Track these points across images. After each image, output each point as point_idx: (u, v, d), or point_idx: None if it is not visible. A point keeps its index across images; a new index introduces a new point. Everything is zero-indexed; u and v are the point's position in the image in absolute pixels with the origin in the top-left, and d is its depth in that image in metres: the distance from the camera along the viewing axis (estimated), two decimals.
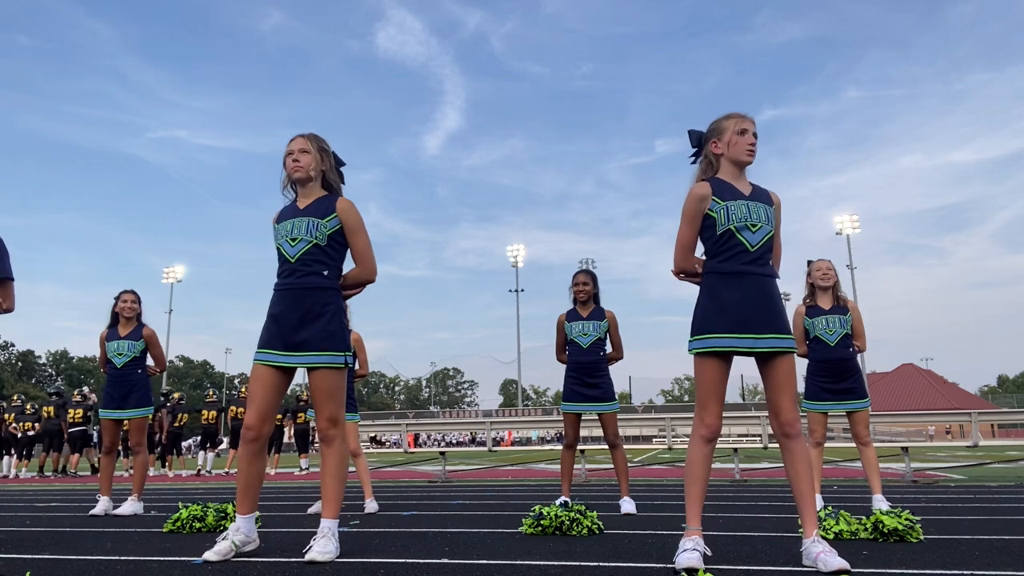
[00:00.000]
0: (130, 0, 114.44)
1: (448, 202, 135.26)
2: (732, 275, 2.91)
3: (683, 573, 2.59)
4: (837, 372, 4.89)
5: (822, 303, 4.97)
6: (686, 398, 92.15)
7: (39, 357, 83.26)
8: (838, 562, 2.61)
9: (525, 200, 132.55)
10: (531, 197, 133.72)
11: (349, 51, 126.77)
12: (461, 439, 50.72)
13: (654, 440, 35.74)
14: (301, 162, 3.37)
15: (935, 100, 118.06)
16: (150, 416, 6.08)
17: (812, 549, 2.74)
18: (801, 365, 4.74)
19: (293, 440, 14.95)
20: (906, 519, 3.50)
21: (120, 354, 5.76)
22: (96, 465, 15.23)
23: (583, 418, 5.48)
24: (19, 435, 15.25)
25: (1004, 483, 7.78)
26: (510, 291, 50.19)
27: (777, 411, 2.90)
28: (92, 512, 5.56)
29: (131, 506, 5.61)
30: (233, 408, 14.82)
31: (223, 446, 18.72)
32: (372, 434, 37.43)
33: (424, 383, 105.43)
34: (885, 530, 3.49)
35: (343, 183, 3.52)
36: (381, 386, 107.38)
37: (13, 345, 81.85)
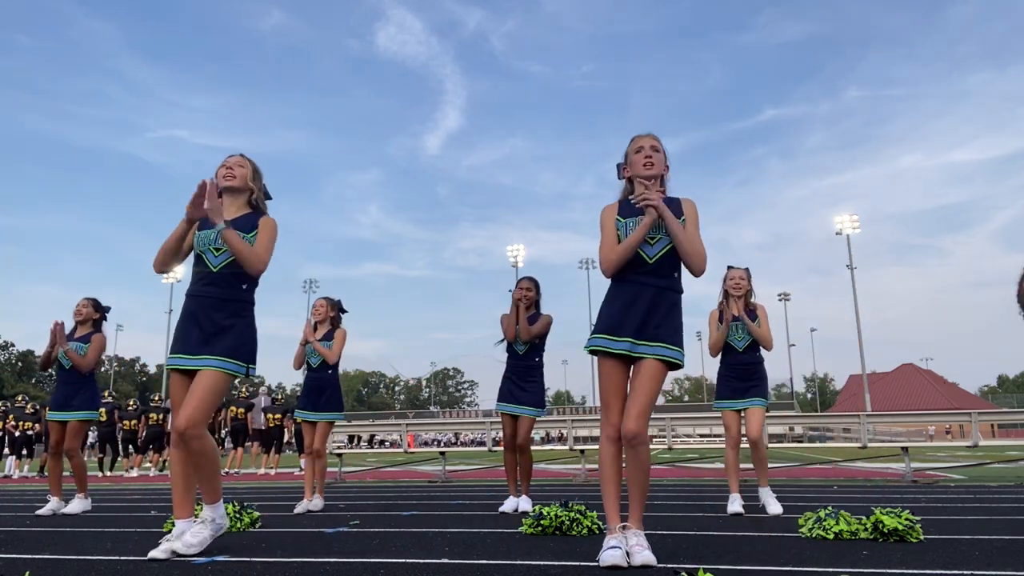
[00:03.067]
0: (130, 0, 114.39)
1: (448, 202, 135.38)
2: (623, 283, 3.06)
3: (683, 574, 2.59)
4: (744, 375, 5.15)
5: (734, 309, 5.21)
6: (686, 398, 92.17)
7: (39, 357, 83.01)
8: (646, 556, 2.75)
9: (525, 200, 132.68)
10: (531, 197, 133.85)
11: (349, 51, 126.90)
12: (463, 439, 50.73)
13: (654, 440, 35.75)
14: (235, 172, 3.50)
15: (936, 100, 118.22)
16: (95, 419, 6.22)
17: (629, 539, 2.83)
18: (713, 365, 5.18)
19: (293, 440, 14.93)
20: (906, 519, 3.50)
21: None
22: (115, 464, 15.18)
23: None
24: (17, 434, 15.27)
25: (1004, 483, 7.78)
26: (510, 291, 50.07)
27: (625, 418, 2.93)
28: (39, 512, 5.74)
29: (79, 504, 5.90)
30: (233, 408, 14.82)
31: (228, 445, 18.71)
32: (371, 433, 37.51)
33: (424, 383, 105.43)
34: (885, 530, 3.49)
35: (265, 212, 3.60)
36: (381, 386, 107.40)
37: (13, 345, 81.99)
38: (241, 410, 14.75)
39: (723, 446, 5.49)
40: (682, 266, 3.08)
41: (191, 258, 3.50)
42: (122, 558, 3.27)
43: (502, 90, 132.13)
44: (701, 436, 41.55)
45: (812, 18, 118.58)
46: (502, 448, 5.66)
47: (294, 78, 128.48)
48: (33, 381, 77.71)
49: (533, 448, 6.00)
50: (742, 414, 5.19)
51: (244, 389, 16.72)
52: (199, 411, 3.21)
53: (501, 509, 5.23)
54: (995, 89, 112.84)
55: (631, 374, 3.00)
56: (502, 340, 5.56)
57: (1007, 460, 12.42)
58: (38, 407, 15.83)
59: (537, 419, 5.51)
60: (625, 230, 3.09)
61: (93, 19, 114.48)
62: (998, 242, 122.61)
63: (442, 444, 41.24)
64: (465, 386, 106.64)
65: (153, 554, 3.14)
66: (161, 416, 14.81)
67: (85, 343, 5.89)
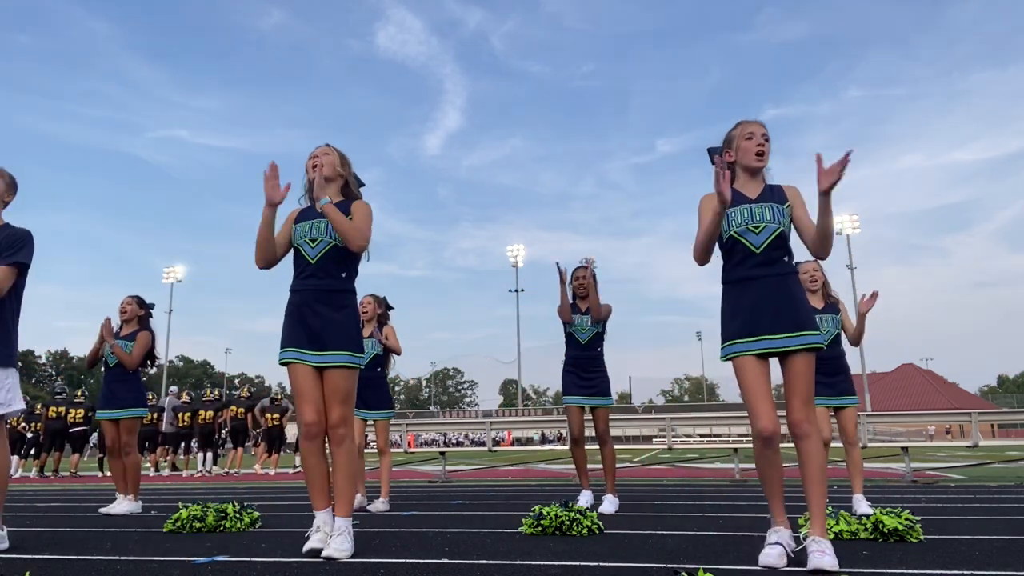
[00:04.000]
0: None
1: (448, 202, 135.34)
2: (740, 282, 3.01)
3: (683, 574, 2.59)
4: (829, 370, 4.92)
5: (814, 303, 4.99)
6: (686, 398, 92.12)
7: (39, 357, 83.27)
8: (827, 561, 2.67)
9: (525, 200, 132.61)
10: (531, 197, 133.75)
11: (349, 50, 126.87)
12: (458, 439, 50.73)
13: (654, 440, 35.73)
14: (323, 160, 3.47)
15: (936, 99, 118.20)
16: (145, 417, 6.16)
17: (809, 547, 2.77)
18: None
19: (295, 440, 14.94)
20: (906, 519, 3.51)
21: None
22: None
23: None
24: (29, 435, 15.28)
25: (1004, 483, 7.78)
26: (510, 291, 50.05)
27: (787, 411, 2.95)
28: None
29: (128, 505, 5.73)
30: (233, 408, 14.81)
31: (229, 445, 18.71)
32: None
33: (424, 383, 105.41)
34: (885, 530, 3.49)
35: (359, 197, 3.58)
36: None
37: None
38: (241, 410, 14.75)
39: (723, 446, 5.46)
40: (790, 247, 3.03)
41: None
42: (122, 558, 3.27)
43: (502, 90, 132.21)
44: (701, 436, 41.56)
45: (812, 17, 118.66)
46: (569, 444, 5.51)
47: (294, 78, 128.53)
48: (33, 381, 77.70)
49: (532, 448, 6.00)
50: (831, 412, 5.00)
51: (245, 389, 16.69)
52: (349, 409, 3.30)
53: (578, 504, 4.37)
54: (996, 89, 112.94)
55: (783, 368, 2.95)
56: (568, 328, 5.41)
57: (1007, 460, 12.42)
58: (35, 406, 15.84)
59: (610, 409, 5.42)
60: (727, 221, 3.01)
61: (93, 19, 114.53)
62: (998, 242, 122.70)
63: (444, 443, 41.24)
64: (465, 386, 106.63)
65: (310, 547, 3.18)
66: (155, 416, 14.84)
67: (130, 341, 5.87)
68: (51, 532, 4.42)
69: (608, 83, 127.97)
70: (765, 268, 2.97)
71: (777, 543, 2.82)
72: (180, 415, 14.96)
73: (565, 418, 5.62)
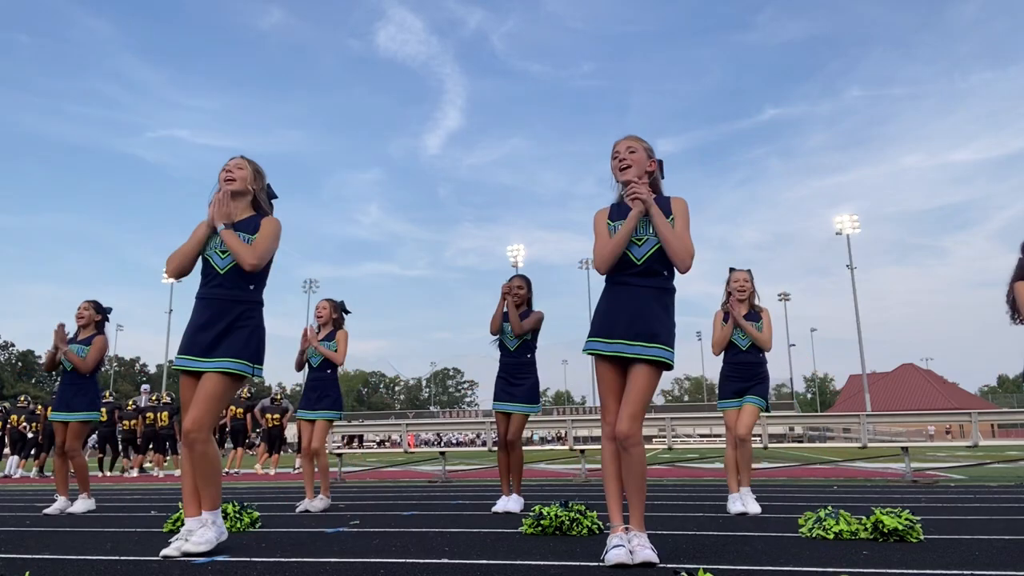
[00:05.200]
0: None
1: (449, 202, 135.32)
2: (615, 285, 3.12)
3: (683, 574, 2.59)
4: (747, 374, 5.17)
5: (741, 310, 5.25)
6: (686, 398, 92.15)
7: (39, 357, 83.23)
8: (648, 554, 2.77)
9: (525, 200, 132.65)
10: (532, 197, 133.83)
11: (349, 50, 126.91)
12: (459, 439, 50.71)
13: (654, 440, 35.74)
14: (235, 175, 3.54)
15: (937, 99, 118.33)
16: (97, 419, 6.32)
17: (632, 543, 2.84)
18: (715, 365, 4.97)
19: (296, 441, 14.93)
20: (906, 519, 3.51)
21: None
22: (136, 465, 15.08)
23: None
24: (30, 435, 15.27)
25: (1004, 483, 7.78)
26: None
27: (616, 420, 2.97)
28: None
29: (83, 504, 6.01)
30: (233, 408, 14.81)
31: (229, 445, 18.71)
32: (360, 433, 37.44)
33: (424, 383, 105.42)
34: (885, 530, 3.49)
35: (271, 211, 3.65)
36: (381, 386, 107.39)
37: (13, 345, 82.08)
38: (240, 410, 14.76)
39: (723, 446, 5.49)
40: (673, 265, 3.09)
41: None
42: (122, 558, 3.27)
43: (502, 90, 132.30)
44: (701, 436, 41.59)
45: (813, 17, 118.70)
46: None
47: (294, 78, 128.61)
48: (33, 381, 77.75)
49: (532, 448, 6.01)
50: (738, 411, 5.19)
51: (245, 390, 16.72)
52: (205, 414, 3.28)
53: (494, 509, 5.26)
54: (996, 89, 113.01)
55: (627, 375, 3.02)
56: (495, 338, 5.62)
57: (1007, 460, 12.42)
58: (35, 407, 15.84)
59: (531, 416, 5.53)
60: (613, 233, 3.13)
61: (93, 18, 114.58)
62: (998, 242, 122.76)
63: (444, 444, 41.21)
64: (465, 386, 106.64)
65: (165, 552, 3.19)
66: (158, 416, 14.79)
67: (87, 345, 5.95)
68: (51, 532, 4.42)
69: (608, 83, 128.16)
70: (641, 278, 3.07)
71: (619, 545, 2.81)
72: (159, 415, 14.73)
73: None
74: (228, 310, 3.40)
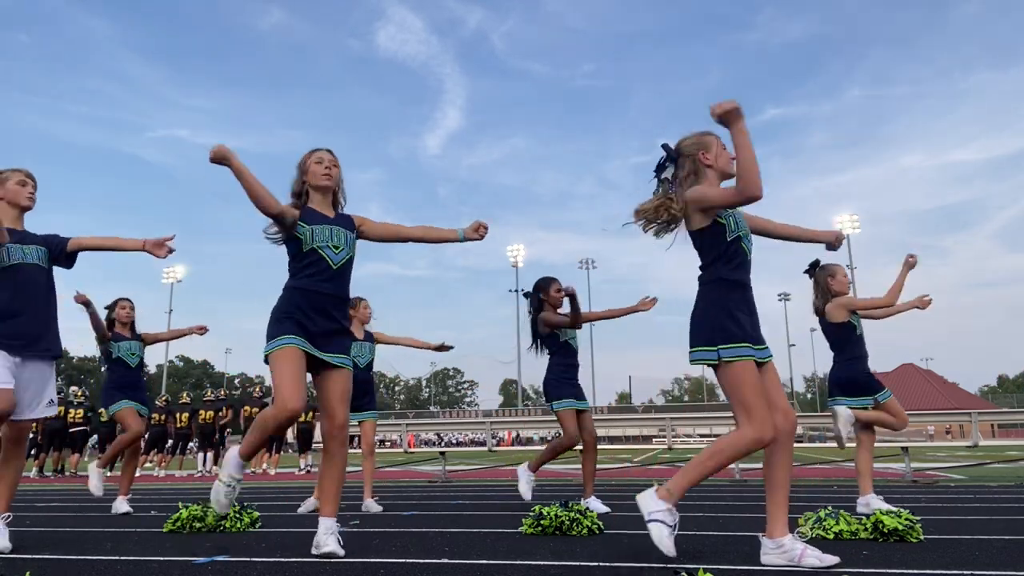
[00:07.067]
0: None
1: (449, 202, 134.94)
2: (743, 286, 3.02)
3: (683, 574, 2.59)
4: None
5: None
6: (686, 398, 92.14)
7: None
8: (828, 558, 2.77)
9: (525, 200, 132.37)
10: (532, 197, 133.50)
11: (349, 50, 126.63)
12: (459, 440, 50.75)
13: (654, 440, 35.73)
14: (332, 173, 3.47)
15: (938, 99, 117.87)
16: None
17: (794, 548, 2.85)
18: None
19: (296, 441, 14.95)
20: (906, 519, 3.51)
21: (133, 354, 6.03)
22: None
23: (595, 417, 5.59)
24: (30, 435, 15.25)
25: (1004, 483, 7.78)
26: (510, 291, 50.17)
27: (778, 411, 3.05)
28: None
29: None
30: (247, 408, 14.84)
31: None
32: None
33: (424, 383, 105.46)
34: (885, 530, 3.49)
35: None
36: (381, 386, 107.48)
37: None
38: (255, 409, 14.78)
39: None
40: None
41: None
42: (122, 558, 3.27)
43: (503, 89, 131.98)
44: (701, 436, 41.51)
45: (814, 17, 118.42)
46: (567, 448, 5.44)
47: (294, 77, 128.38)
48: None
49: (532, 448, 6.01)
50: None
51: (258, 388, 16.75)
52: (348, 411, 3.37)
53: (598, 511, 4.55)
54: (997, 88, 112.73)
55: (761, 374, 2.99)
56: (546, 341, 5.51)
57: (1007, 460, 12.42)
58: None
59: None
60: (735, 223, 3.03)
61: (93, 18, 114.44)
62: (999, 242, 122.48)
63: (444, 444, 41.21)
64: (465, 386, 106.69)
65: (330, 550, 3.13)
66: (163, 417, 14.82)
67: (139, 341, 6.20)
68: (51, 532, 4.42)
69: (608, 83, 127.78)
70: (749, 277, 3.07)
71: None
72: (179, 415, 14.94)
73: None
74: (337, 307, 3.39)
